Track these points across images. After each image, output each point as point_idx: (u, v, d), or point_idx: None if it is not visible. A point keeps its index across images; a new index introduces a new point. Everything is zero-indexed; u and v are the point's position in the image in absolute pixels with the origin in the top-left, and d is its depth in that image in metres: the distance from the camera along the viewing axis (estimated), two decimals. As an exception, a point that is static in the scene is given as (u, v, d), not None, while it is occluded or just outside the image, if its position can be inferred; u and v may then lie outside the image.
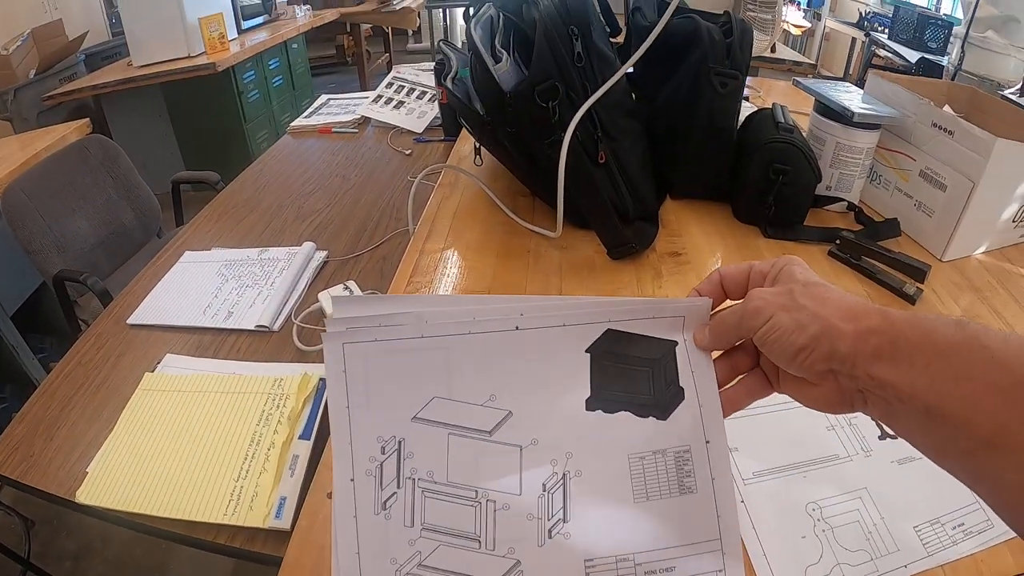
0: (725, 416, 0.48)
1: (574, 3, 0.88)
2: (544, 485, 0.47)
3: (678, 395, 0.48)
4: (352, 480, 0.47)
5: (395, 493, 0.47)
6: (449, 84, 1.01)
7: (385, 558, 0.47)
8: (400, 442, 0.48)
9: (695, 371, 0.48)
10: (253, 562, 0.79)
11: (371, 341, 0.48)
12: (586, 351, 0.49)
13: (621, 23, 1.14)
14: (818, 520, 0.59)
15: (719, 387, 0.48)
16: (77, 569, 1.84)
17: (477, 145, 1.12)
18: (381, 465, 0.48)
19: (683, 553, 0.46)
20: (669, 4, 1.15)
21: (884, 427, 0.68)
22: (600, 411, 0.48)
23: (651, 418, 0.48)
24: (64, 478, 0.90)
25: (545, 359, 0.49)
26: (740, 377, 0.48)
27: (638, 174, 0.97)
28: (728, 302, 0.48)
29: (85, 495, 0.85)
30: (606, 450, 0.47)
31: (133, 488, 0.85)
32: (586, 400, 0.48)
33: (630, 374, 0.49)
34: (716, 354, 0.48)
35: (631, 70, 0.92)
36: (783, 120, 1.02)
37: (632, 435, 0.48)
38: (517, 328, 0.49)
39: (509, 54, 0.93)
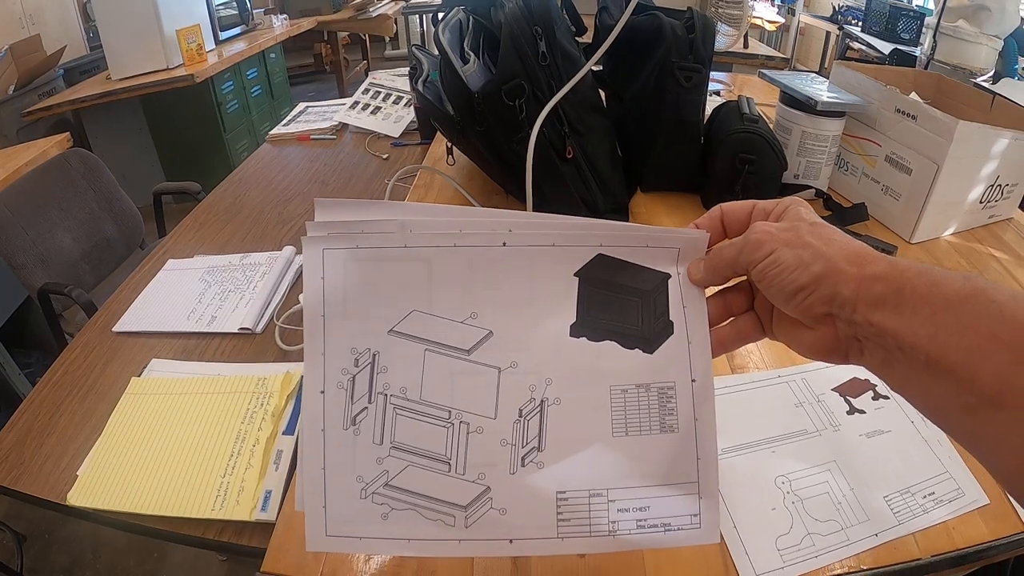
0: (714, 357, 0.46)
1: (537, 4, 0.91)
2: (520, 411, 0.45)
3: (667, 329, 0.46)
4: (322, 393, 0.46)
5: (366, 408, 0.46)
6: (420, 87, 1.04)
7: (351, 475, 0.45)
8: (375, 355, 0.46)
9: (687, 306, 0.46)
10: (242, 555, 0.81)
11: (352, 248, 0.46)
12: (575, 274, 0.46)
13: (589, 24, 1.17)
14: (787, 492, 0.60)
15: (710, 326, 0.46)
16: (70, 582, 1.86)
17: (449, 146, 1.14)
18: (354, 378, 0.46)
19: (659, 493, 0.45)
20: (643, 4, 1.20)
21: (853, 402, 0.69)
22: (585, 338, 0.46)
23: (637, 350, 0.46)
24: (55, 483, 0.91)
25: (532, 279, 0.46)
26: (732, 318, 0.47)
27: (607, 168, 0.99)
28: (727, 242, 0.45)
29: (76, 497, 0.86)
30: (588, 379, 0.46)
31: (123, 488, 0.86)
32: (571, 325, 0.46)
33: (619, 303, 0.46)
34: (710, 292, 0.46)
35: (599, 67, 0.95)
36: (748, 111, 1.05)
37: (616, 366, 0.46)
38: (504, 244, 0.46)
39: (478, 56, 0.95)
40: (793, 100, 1.07)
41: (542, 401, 0.45)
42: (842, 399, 0.70)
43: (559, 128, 0.92)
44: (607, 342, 0.46)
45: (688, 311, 0.46)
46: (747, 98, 1.09)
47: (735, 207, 0.46)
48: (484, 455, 0.45)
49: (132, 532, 0.86)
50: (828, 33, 5.19)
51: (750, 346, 0.73)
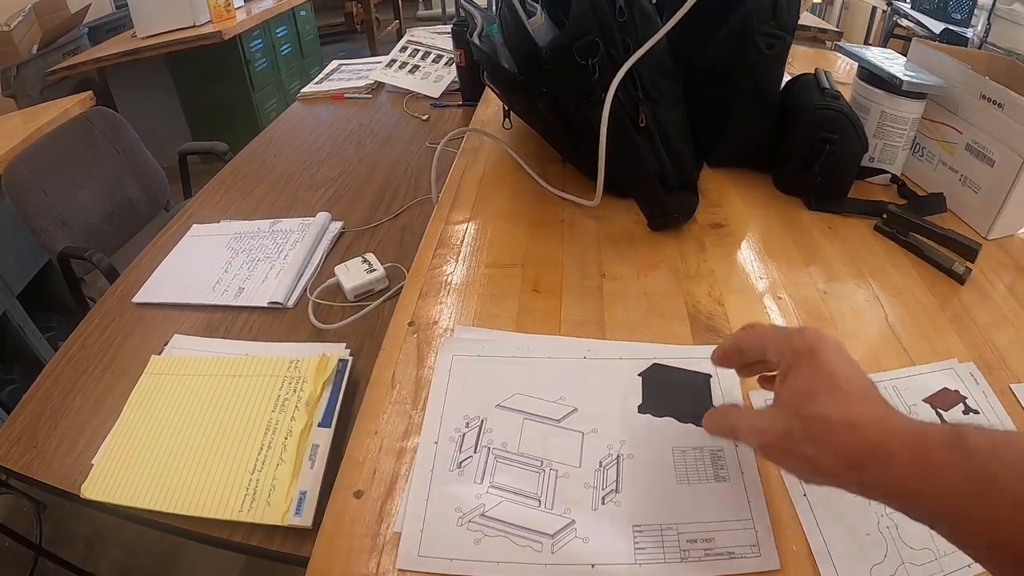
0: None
1: (616, -47, 0.81)
2: (600, 462, 0.57)
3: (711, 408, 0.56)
4: (436, 443, 0.59)
5: (471, 456, 0.58)
6: (477, 40, 0.94)
7: (451, 506, 0.54)
8: (482, 420, 0.61)
9: (725, 396, 0.62)
10: (270, 560, 0.74)
11: (475, 356, 0.67)
12: (639, 375, 0.65)
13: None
14: (882, 516, 0.55)
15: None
16: (90, 554, 1.83)
17: (506, 108, 1.06)
18: (463, 435, 0.60)
19: (720, 528, 0.53)
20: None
21: (944, 415, 0.64)
22: (650, 415, 0.61)
23: (691, 424, 0.60)
24: (69, 469, 0.85)
25: (606, 378, 0.64)
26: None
27: (678, 139, 0.90)
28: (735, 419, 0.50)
29: (91, 490, 0.79)
30: (654, 442, 0.59)
31: (141, 482, 0.79)
32: (638, 406, 0.62)
33: (674, 395, 0.63)
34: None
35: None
36: (828, 86, 0.97)
37: (675, 434, 0.59)
38: (585, 357, 0.67)
39: (541, 7, 0.86)
40: (873, 77, 0.99)
41: (618, 456, 0.58)
42: (934, 411, 0.65)
43: (633, 93, 0.82)
44: (667, 418, 0.61)
45: (726, 396, 0.62)
46: (825, 72, 1.01)
47: (751, 345, 0.51)
48: (570, 494, 0.55)
49: (152, 528, 0.80)
50: (875, 8, 5.00)
51: None
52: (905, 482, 0.37)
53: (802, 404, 0.43)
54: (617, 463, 0.57)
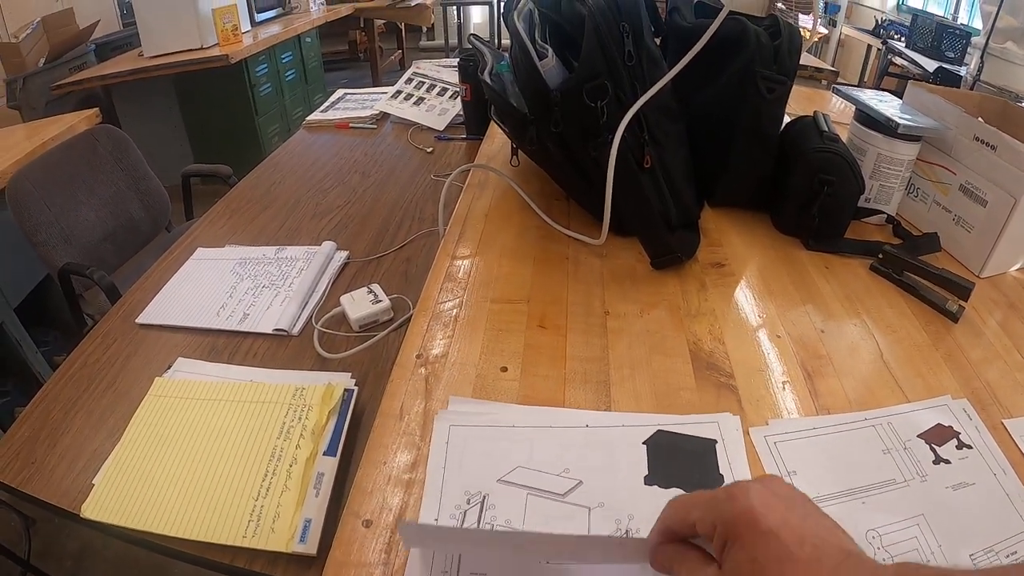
0: None
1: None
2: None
3: (719, 480, 0.60)
4: (436, 520, 0.57)
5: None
6: (488, 78, 0.96)
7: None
8: (484, 496, 0.58)
9: (731, 462, 0.62)
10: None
11: (472, 426, 0.64)
12: (643, 443, 0.64)
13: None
14: (878, 548, 0.56)
15: None
16: (79, 569, 1.81)
17: (514, 146, 1.07)
18: (465, 512, 0.57)
19: None
20: (706, 5, 1.12)
21: (938, 451, 0.65)
22: (656, 486, 0.60)
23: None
24: (68, 488, 0.85)
25: (609, 450, 0.63)
26: None
27: (681, 180, 0.92)
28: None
29: (91, 510, 0.80)
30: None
31: (143, 504, 0.79)
32: (644, 477, 0.60)
33: (679, 462, 0.62)
34: None
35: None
36: (827, 129, 0.99)
37: None
38: (587, 426, 0.65)
39: (552, 50, 0.88)
40: (870, 120, 1.01)
41: (627, 531, 0.56)
42: (928, 447, 0.66)
43: (639, 135, 0.84)
44: (674, 488, 0.59)
45: (733, 465, 0.61)
46: (823, 114, 1.03)
47: (677, 520, 0.44)
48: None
49: (153, 551, 0.80)
50: (870, 47, 5.09)
51: (836, 384, 0.70)
52: None
53: (745, 558, 0.38)
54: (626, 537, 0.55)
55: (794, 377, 0.71)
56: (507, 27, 0.95)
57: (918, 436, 0.66)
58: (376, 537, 0.55)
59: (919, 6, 4.95)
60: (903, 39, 4.56)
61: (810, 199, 0.94)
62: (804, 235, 0.96)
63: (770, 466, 0.61)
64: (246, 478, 0.80)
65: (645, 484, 0.59)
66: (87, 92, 3.30)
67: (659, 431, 0.64)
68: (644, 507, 0.57)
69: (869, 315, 0.80)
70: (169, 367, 1.03)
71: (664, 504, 0.48)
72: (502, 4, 6.11)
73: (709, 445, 0.63)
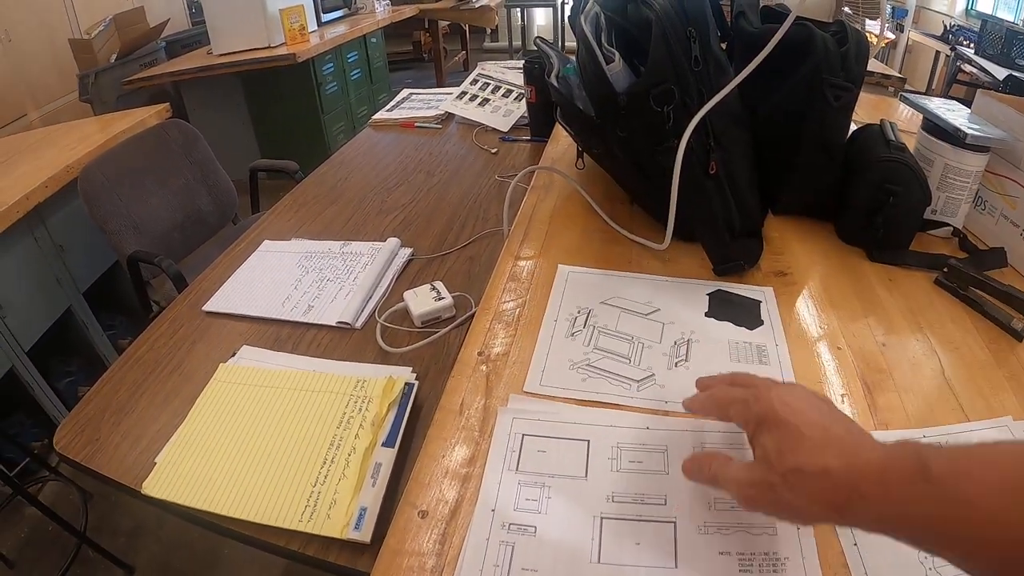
0: None
1: (692, 4, 0.83)
2: (675, 341, 0.77)
3: (759, 322, 0.80)
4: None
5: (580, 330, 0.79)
6: (554, 81, 0.97)
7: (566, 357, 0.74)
8: (589, 311, 0.82)
9: (770, 313, 0.81)
10: (326, 571, 0.76)
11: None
12: (706, 294, 0.85)
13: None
14: (930, 569, 0.54)
15: None
16: (131, 546, 1.87)
17: (580, 149, 1.08)
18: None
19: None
20: (772, 10, 1.11)
21: None
22: (713, 319, 0.80)
23: (744, 328, 0.79)
24: (131, 465, 0.88)
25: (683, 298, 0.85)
26: None
27: (746, 187, 0.91)
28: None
29: (152, 487, 0.82)
30: (715, 334, 0.78)
31: (203, 484, 0.82)
32: (704, 312, 0.82)
33: (731, 308, 0.82)
34: None
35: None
36: (894, 138, 0.96)
37: (731, 332, 0.78)
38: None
39: (619, 54, 0.88)
40: (937, 130, 0.98)
41: (688, 339, 0.77)
42: None
43: (704, 140, 0.83)
44: (726, 322, 0.80)
45: (771, 315, 0.81)
46: (890, 123, 1.01)
47: (715, 411, 0.58)
48: (651, 359, 0.74)
49: (209, 530, 0.82)
50: (938, 53, 4.94)
51: (895, 399, 0.69)
52: (883, 517, 0.41)
53: (776, 460, 0.46)
54: (688, 343, 0.76)
55: (853, 391, 0.70)
56: (574, 30, 0.95)
57: (971, 456, 0.65)
58: (431, 528, 0.56)
59: (988, 11, 4.78)
60: (972, 45, 4.42)
61: (874, 209, 0.92)
62: (868, 246, 0.95)
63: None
64: (305, 464, 0.82)
65: (705, 316, 0.81)
66: (157, 88, 3.41)
67: (719, 290, 0.86)
68: (702, 329, 0.79)
69: (932, 330, 0.79)
70: (234, 354, 1.06)
71: (717, 328, 0.78)
72: (566, 6, 6.12)
73: (754, 302, 0.83)
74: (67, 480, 2.00)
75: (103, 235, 1.78)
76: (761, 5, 1.14)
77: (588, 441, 0.64)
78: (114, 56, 3.38)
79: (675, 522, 0.57)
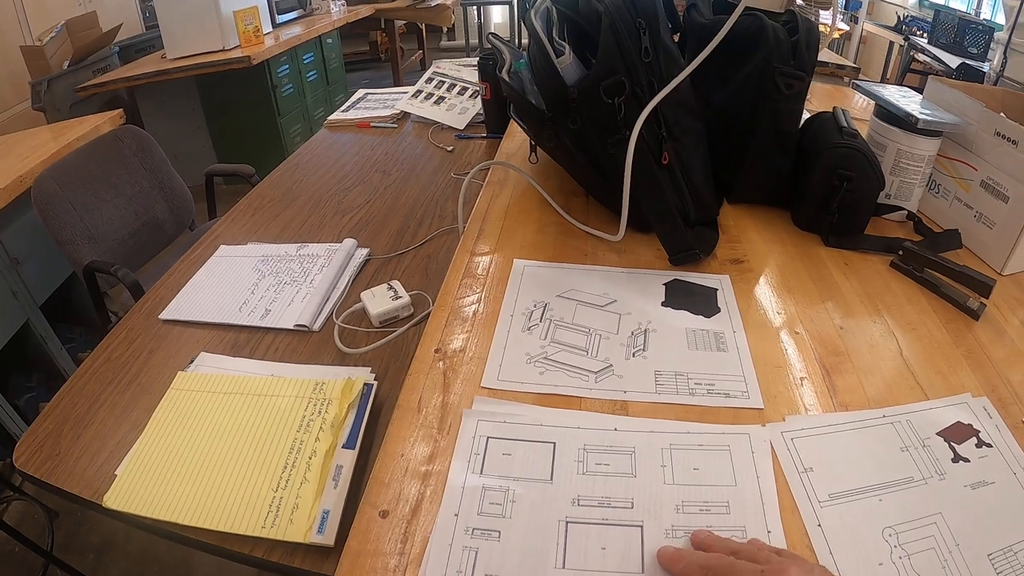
0: None
1: (642, -4, 0.83)
2: (632, 332, 0.77)
3: (716, 309, 0.81)
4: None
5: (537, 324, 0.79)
6: (506, 76, 0.97)
7: (522, 352, 0.75)
8: (545, 304, 0.82)
9: (727, 300, 0.83)
10: (287, 576, 0.75)
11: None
12: (663, 284, 0.86)
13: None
14: (895, 546, 0.56)
15: None
16: (100, 563, 1.83)
17: (533, 143, 1.08)
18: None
19: (719, 379, 0.71)
20: (723, 1, 1.12)
21: (957, 449, 0.64)
22: (670, 308, 0.82)
23: (700, 316, 0.80)
24: (91, 479, 0.87)
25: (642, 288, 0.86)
26: None
27: (700, 177, 0.92)
28: None
29: (113, 500, 0.81)
30: (672, 322, 0.79)
31: (164, 494, 0.80)
32: (661, 302, 0.83)
33: (688, 297, 0.84)
34: None
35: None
36: (846, 125, 0.98)
37: (688, 320, 0.80)
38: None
39: (569, 47, 0.88)
40: (890, 115, 1.00)
41: (646, 329, 0.78)
42: (947, 444, 0.65)
43: (657, 131, 0.84)
44: (683, 311, 0.81)
45: (727, 303, 0.82)
46: (843, 110, 1.02)
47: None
48: (609, 350, 0.75)
49: (172, 540, 0.81)
50: (892, 43, 5.03)
51: (854, 381, 0.70)
52: None
53: None
54: (645, 333, 0.77)
55: (812, 373, 0.71)
56: (525, 25, 0.95)
57: (937, 434, 0.66)
58: (392, 527, 0.56)
59: (941, 2, 4.89)
60: (925, 35, 4.51)
61: (829, 195, 0.93)
62: (823, 232, 0.96)
63: (787, 462, 0.61)
64: (266, 470, 0.81)
65: (661, 305, 0.82)
66: (111, 94, 3.35)
67: (675, 279, 0.87)
68: (660, 318, 0.80)
69: (889, 312, 0.80)
70: (191, 362, 1.04)
71: (674, 317, 0.80)
72: (524, 3, 6.13)
73: (711, 290, 0.85)
74: (31, 499, 1.96)
75: (58, 245, 1.74)
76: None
77: (554, 443, 0.63)
78: (67, 62, 3.31)
79: (642, 526, 0.56)
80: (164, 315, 1.18)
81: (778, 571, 0.46)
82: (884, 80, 5.16)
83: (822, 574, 0.47)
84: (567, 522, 0.56)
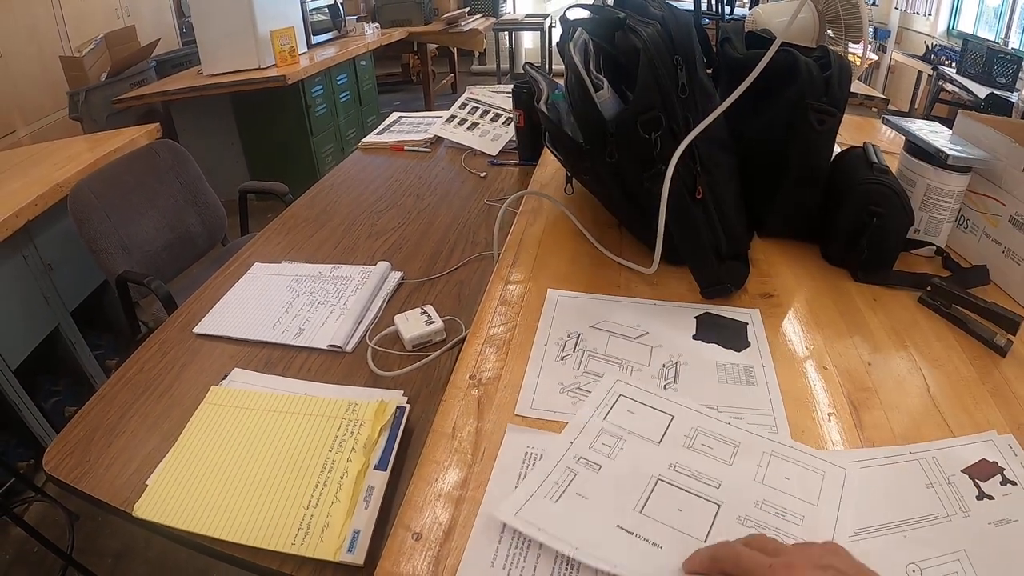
0: None
1: (679, 32, 0.84)
2: (664, 364, 0.78)
3: (746, 343, 0.82)
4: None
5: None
6: (544, 108, 0.99)
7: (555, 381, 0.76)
8: (578, 335, 0.84)
9: (757, 334, 0.83)
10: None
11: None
12: (694, 317, 0.87)
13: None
14: (910, 563, 0.56)
15: None
16: (118, 568, 1.85)
17: (569, 175, 1.09)
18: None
19: (748, 412, 0.71)
20: (756, 35, 1.13)
21: (982, 486, 0.64)
22: (701, 341, 0.83)
23: (731, 349, 0.81)
24: (121, 487, 0.88)
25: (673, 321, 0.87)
26: None
27: (732, 211, 0.93)
28: None
29: (143, 509, 0.82)
30: (703, 355, 0.80)
31: (195, 506, 0.82)
32: (692, 335, 0.84)
33: (719, 330, 0.84)
34: None
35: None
36: (877, 160, 0.98)
37: (718, 353, 0.80)
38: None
39: (606, 81, 0.90)
40: (920, 151, 1.00)
41: (677, 361, 0.79)
42: (972, 482, 0.65)
43: (691, 166, 0.85)
44: (713, 344, 0.82)
45: (758, 338, 0.83)
46: (873, 145, 1.02)
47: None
48: (641, 382, 0.75)
49: (202, 553, 0.82)
50: (920, 72, 5.02)
51: (881, 417, 0.70)
52: None
53: None
54: (676, 365, 0.78)
55: (840, 409, 0.71)
56: (563, 58, 0.97)
57: (962, 471, 0.65)
58: (425, 550, 0.57)
59: (969, 31, 4.87)
60: (954, 65, 4.50)
61: (859, 231, 0.93)
62: (852, 267, 0.96)
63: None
64: (297, 487, 0.82)
65: (692, 338, 0.83)
66: (147, 107, 3.41)
67: (706, 312, 0.88)
68: (691, 352, 0.81)
69: (916, 348, 0.80)
70: (225, 377, 1.06)
71: (705, 350, 0.80)
72: (553, 30, 6.19)
73: (741, 325, 0.86)
74: (53, 501, 1.98)
75: (91, 254, 1.77)
76: (747, 30, 1.16)
77: (672, 416, 0.70)
78: (104, 74, 3.39)
79: (720, 505, 0.60)
80: (198, 329, 1.20)
81: (786, 566, 0.46)
82: (912, 110, 5.15)
83: (833, 560, 0.47)
84: (659, 479, 0.63)
